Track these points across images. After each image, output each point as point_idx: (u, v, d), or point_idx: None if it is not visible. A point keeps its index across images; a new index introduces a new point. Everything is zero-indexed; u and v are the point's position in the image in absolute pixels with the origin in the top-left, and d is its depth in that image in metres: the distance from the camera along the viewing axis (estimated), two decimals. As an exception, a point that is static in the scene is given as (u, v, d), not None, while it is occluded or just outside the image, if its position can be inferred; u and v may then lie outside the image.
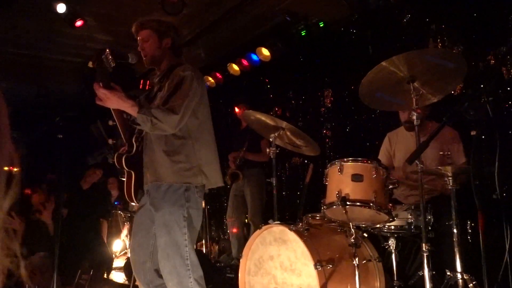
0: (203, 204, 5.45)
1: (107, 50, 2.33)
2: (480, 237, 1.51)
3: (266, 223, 2.73)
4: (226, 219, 5.02)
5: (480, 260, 2.16)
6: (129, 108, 2.19)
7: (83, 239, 4.65)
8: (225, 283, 4.01)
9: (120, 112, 2.37)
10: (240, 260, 2.80)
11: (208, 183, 2.34)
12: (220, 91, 5.93)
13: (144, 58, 2.46)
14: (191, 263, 2.20)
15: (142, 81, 6.28)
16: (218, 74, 5.77)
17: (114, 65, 2.33)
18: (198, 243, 5.65)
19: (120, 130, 2.45)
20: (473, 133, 1.52)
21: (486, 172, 2.21)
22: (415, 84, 2.33)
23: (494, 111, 2.48)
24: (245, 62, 5.35)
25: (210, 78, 5.82)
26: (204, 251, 5.34)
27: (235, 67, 5.48)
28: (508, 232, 2.05)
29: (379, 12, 4.09)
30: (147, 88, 6.48)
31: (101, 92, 2.18)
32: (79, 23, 4.46)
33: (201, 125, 2.34)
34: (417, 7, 3.84)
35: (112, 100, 2.20)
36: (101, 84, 2.20)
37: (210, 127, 2.41)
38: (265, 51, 5.07)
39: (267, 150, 3.09)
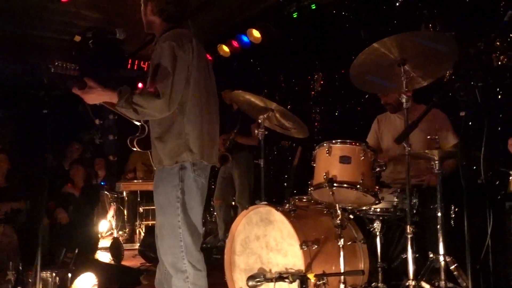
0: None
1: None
2: (465, 219, 1.53)
3: (253, 204, 2.73)
4: (213, 201, 5.02)
5: (462, 243, 2.19)
6: (110, 99, 2.08)
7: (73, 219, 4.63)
8: (211, 264, 4.02)
9: None
10: (226, 240, 2.81)
11: (192, 159, 2.15)
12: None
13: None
14: (185, 245, 2.11)
15: (130, 60, 6.18)
16: (208, 55, 5.68)
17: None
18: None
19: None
20: (462, 113, 1.53)
21: (472, 156, 2.24)
22: (406, 67, 2.33)
23: (482, 97, 2.50)
24: (235, 43, 5.29)
25: (200, 59, 5.74)
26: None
27: (225, 48, 5.42)
28: (491, 217, 2.08)
29: (372, -5, 4.06)
30: (135, 68, 6.39)
31: (77, 93, 2.11)
32: (66, -3, 4.34)
33: (193, 96, 2.15)
34: (410, -9, 3.81)
35: (91, 98, 2.12)
36: (75, 88, 2.11)
37: (204, 99, 2.20)
38: (256, 33, 5.01)
39: (256, 131, 3.07)
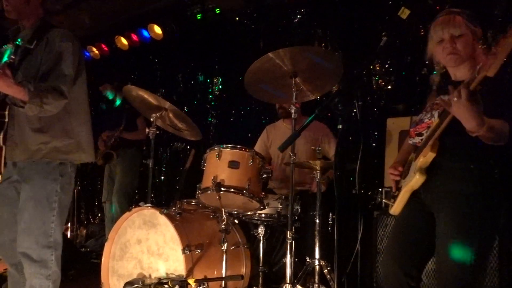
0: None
1: None
2: (336, 226, 1.65)
3: (132, 204, 2.61)
4: (103, 202, 4.67)
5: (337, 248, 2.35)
6: (18, 94, 1.94)
7: None
8: (89, 268, 3.77)
9: None
10: (105, 244, 2.63)
11: (85, 159, 2.24)
12: (104, 64, 5.51)
13: (5, 9, 2.14)
14: (55, 241, 2.08)
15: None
16: (103, 46, 5.35)
17: None
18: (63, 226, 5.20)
19: None
20: (339, 126, 1.64)
21: (348, 168, 2.43)
22: (297, 79, 2.44)
23: (361, 115, 2.71)
24: (135, 37, 5.05)
25: (94, 49, 5.38)
26: (68, 236, 4.94)
27: (124, 40, 5.15)
28: (361, 224, 2.27)
29: (273, 8, 4.20)
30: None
31: None
32: None
33: (79, 99, 2.20)
34: (307, 10, 4.04)
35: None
36: None
37: (86, 102, 2.27)
38: (157, 29, 4.85)
39: (147, 129, 2.95)
